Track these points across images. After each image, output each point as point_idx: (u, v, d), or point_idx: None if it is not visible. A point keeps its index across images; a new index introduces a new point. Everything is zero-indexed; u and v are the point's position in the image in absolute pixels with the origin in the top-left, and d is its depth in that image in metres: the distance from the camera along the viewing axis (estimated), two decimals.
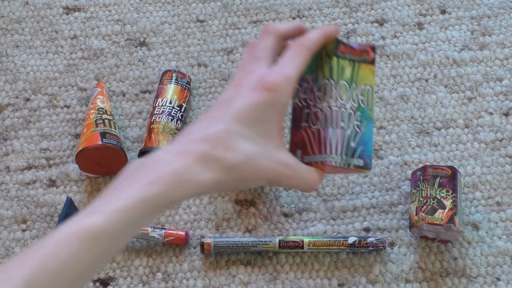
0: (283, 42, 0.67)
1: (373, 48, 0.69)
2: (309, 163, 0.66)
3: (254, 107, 0.59)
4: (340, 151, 0.65)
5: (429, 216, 0.76)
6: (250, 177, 0.60)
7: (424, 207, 0.77)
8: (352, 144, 0.66)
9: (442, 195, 0.77)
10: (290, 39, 0.68)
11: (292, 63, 0.61)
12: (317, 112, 0.66)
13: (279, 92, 0.60)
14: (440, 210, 0.76)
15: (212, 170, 0.57)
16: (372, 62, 0.69)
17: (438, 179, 0.78)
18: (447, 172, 0.78)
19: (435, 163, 0.85)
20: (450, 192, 0.77)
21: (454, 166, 0.84)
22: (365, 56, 0.68)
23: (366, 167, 0.67)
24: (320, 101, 0.66)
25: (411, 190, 0.81)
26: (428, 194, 0.77)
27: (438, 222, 0.75)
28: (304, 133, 0.67)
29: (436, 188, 0.77)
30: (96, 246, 0.53)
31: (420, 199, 0.78)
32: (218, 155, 0.57)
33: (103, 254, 0.53)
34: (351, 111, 0.66)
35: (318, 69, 0.66)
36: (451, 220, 0.75)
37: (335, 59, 0.66)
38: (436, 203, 0.76)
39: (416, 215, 0.77)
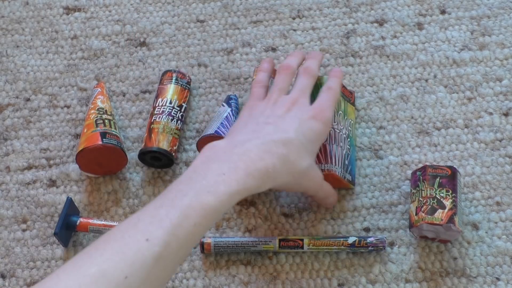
0: None
1: (353, 92, 0.89)
2: None
3: (314, 131, 0.74)
4: (340, 164, 0.81)
5: (429, 216, 0.76)
6: (304, 183, 0.74)
7: (424, 207, 0.77)
8: (346, 162, 0.82)
9: (442, 195, 0.77)
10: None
11: (331, 107, 0.77)
12: None
13: (328, 126, 0.76)
14: (440, 210, 0.76)
15: (286, 172, 0.70)
16: (353, 103, 0.88)
17: (438, 179, 0.78)
18: (447, 172, 0.78)
19: (435, 163, 0.85)
20: (450, 192, 0.77)
21: (454, 166, 0.84)
22: (350, 97, 0.87)
23: (353, 182, 0.84)
24: None
25: (411, 190, 0.81)
26: (428, 194, 0.77)
27: (438, 222, 0.75)
28: None
29: (436, 188, 0.77)
30: (208, 222, 0.63)
31: (420, 199, 0.78)
32: (292, 160, 0.70)
33: (206, 230, 0.63)
34: (345, 136, 0.83)
35: None
36: (451, 220, 0.75)
37: None
38: (436, 203, 0.76)
39: (416, 215, 0.77)
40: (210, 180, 0.65)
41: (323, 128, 0.75)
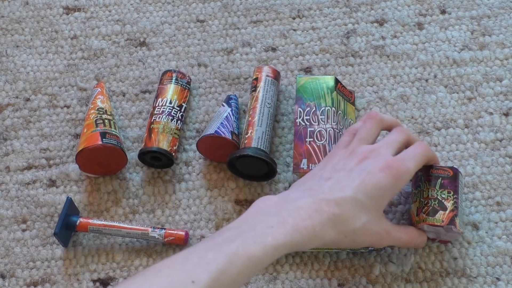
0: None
1: (353, 92, 0.90)
2: None
3: (379, 186, 0.70)
4: None
5: (430, 217, 0.76)
6: (359, 240, 0.71)
7: (425, 208, 0.76)
8: None
9: (443, 196, 0.77)
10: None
11: (415, 160, 0.73)
12: (322, 131, 0.82)
13: (402, 180, 0.72)
14: (441, 212, 0.76)
15: (335, 231, 0.69)
16: (353, 103, 0.89)
17: (439, 180, 0.78)
18: (448, 173, 0.78)
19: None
20: (452, 193, 0.77)
21: (454, 166, 0.84)
22: (350, 97, 0.88)
23: None
24: (324, 123, 0.83)
25: (411, 190, 0.81)
26: (429, 195, 0.77)
27: (439, 224, 0.75)
28: (309, 146, 0.82)
29: (438, 189, 0.77)
30: (250, 271, 0.64)
31: (421, 199, 0.77)
32: (344, 219, 0.69)
33: (247, 281, 0.65)
34: None
35: (321, 98, 0.84)
36: (451, 221, 0.75)
37: (335, 93, 0.85)
38: (437, 204, 0.76)
39: (417, 215, 0.77)
40: (258, 231, 0.66)
41: (392, 182, 0.71)
